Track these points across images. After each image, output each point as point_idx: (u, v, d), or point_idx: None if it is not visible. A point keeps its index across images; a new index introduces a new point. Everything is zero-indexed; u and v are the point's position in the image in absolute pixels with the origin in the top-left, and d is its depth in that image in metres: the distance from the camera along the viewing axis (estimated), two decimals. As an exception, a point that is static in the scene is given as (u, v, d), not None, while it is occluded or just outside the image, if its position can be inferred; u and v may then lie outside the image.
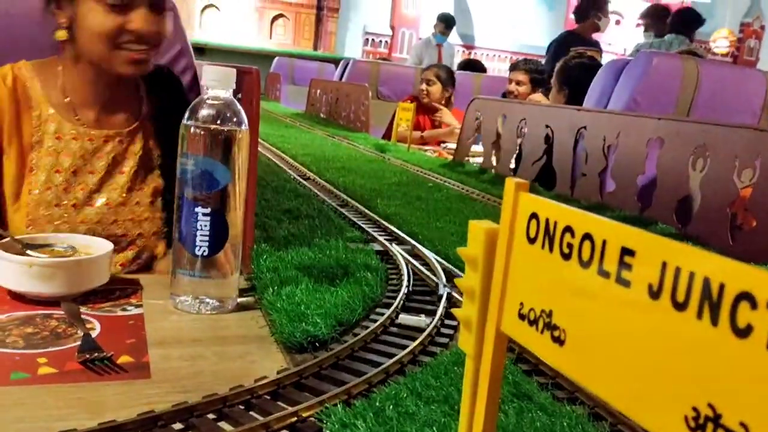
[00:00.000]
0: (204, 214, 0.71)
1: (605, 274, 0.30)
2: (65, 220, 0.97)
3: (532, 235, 0.35)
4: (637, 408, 0.29)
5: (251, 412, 0.51)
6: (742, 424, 0.24)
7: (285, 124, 3.41)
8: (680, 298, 0.26)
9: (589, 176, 1.65)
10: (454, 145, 2.57)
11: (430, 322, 0.70)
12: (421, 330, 0.69)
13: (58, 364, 0.57)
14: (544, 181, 1.84)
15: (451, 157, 2.41)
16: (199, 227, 0.71)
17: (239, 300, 0.76)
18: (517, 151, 2.02)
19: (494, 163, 2.10)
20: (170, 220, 1.00)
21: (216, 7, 7.10)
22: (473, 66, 4.75)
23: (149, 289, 0.77)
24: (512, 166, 2.02)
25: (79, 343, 0.60)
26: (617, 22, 7.71)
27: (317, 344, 0.64)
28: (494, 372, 0.39)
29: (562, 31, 7.55)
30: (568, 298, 0.33)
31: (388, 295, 0.80)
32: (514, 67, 3.56)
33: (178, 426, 0.48)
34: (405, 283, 0.84)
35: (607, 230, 0.31)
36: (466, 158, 2.31)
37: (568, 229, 0.33)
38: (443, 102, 3.56)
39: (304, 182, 1.56)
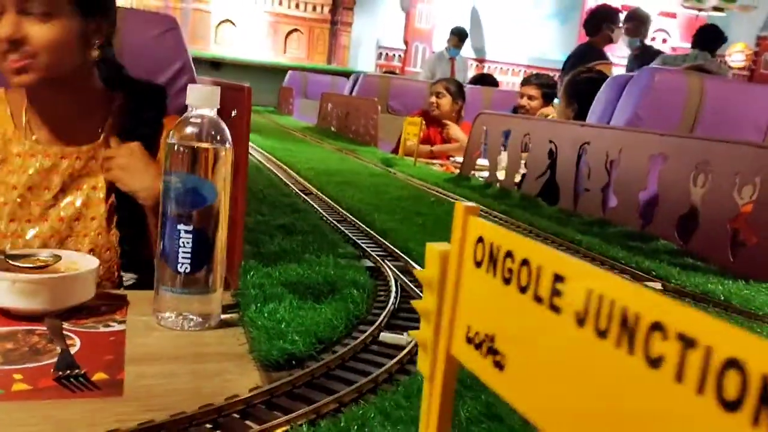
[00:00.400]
0: (186, 232, 0.72)
1: (539, 300, 0.30)
2: (19, 235, 0.99)
3: (479, 258, 0.35)
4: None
5: (218, 431, 0.51)
6: (655, 457, 0.24)
7: (295, 137, 3.43)
8: (602, 326, 0.26)
9: (592, 191, 1.65)
10: (462, 159, 2.57)
11: (411, 340, 0.70)
12: (401, 348, 0.69)
13: (33, 381, 0.57)
14: (548, 196, 1.83)
15: (458, 171, 2.41)
16: (181, 244, 0.72)
17: (223, 317, 0.76)
18: (522, 166, 2.01)
19: (500, 178, 2.10)
20: (126, 237, 0.99)
21: (232, 23, 7.18)
22: (485, 80, 4.75)
23: (135, 306, 0.78)
24: (517, 180, 2.02)
25: (56, 359, 0.61)
26: (632, 36, 7.68)
27: (294, 362, 0.64)
28: (445, 394, 0.39)
29: (575, 44, 7.56)
30: (508, 323, 0.33)
31: (373, 312, 0.80)
32: (525, 82, 3.56)
33: (142, 444, 0.48)
34: (392, 300, 0.84)
35: (541, 256, 0.31)
36: (472, 172, 2.31)
37: (509, 254, 0.33)
38: (453, 115, 3.56)
39: (305, 197, 1.57)
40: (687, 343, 0.22)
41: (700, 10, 7.38)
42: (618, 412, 0.25)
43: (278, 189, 1.63)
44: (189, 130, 0.73)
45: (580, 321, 0.27)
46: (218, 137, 0.74)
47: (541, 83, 3.45)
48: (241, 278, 0.84)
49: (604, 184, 1.61)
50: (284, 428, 0.51)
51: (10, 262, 0.74)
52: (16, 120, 1.02)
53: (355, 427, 0.50)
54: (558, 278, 0.29)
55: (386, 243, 1.13)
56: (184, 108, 1.39)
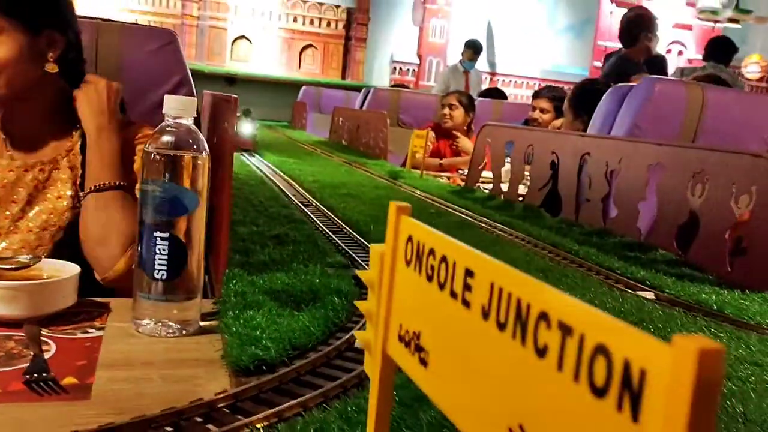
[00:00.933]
0: (162, 239, 0.73)
1: (455, 296, 0.30)
2: None
3: (408, 257, 0.36)
4: (471, 429, 0.29)
5: (178, 434, 0.52)
6: (541, 447, 0.24)
7: (305, 151, 3.45)
8: (502, 318, 0.26)
9: (593, 202, 1.64)
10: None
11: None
12: (376, 355, 0.69)
13: (3, 385, 0.58)
14: (550, 207, 1.82)
15: (463, 183, 2.41)
16: (157, 251, 0.73)
17: (202, 324, 0.77)
18: (526, 177, 2.01)
19: (504, 189, 2.10)
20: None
21: (247, 39, 7.27)
22: (493, 94, 4.75)
23: (116, 313, 0.79)
24: (522, 191, 2.02)
25: (25, 364, 0.61)
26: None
27: (265, 368, 0.65)
28: (382, 394, 0.39)
29: (590, 57, 7.56)
30: (431, 320, 0.33)
31: (353, 320, 0.80)
32: (537, 95, 3.55)
33: (99, 446, 0.49)
34: (374, 308, 0.84)
35: (455, 252, 0.31)
36: (477, 184, 2.31)
37: (431, 252, 0.33)
38: (464, 128, 3.57)
39: (304, 208, 1.58)
40: (565, 331, 0.23)
41: (715, 22, 7.35)
42: (517, 404, 0.25)
43: (278, 201, 1.64)
44: (167, 138, 0.74)
45: (485, 315, 0.28)
46: (195, 146, 0.75)
47: (553, 96, 3.44)
48: (224, 286, 0.84)
49: (605, 195, 1.60)
50: (245, 431, 0.51)
51: (-5, 266, 0.75)
52: None
53: (312, 430, 0.50)
54: (469, 273, 0.29)
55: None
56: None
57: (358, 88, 6.01)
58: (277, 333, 0.70)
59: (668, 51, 7.58)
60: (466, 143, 3.45)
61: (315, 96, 5.89)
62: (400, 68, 7.79)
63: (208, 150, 0.76)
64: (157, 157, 0.73)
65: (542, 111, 3.37)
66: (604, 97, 1.82)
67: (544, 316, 0.24)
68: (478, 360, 0.28)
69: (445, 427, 0.53)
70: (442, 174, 3.09)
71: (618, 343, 0.20)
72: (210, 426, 0.53)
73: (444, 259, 0.32)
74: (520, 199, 1.98)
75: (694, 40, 7.53)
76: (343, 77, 7.52)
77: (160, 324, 0.74)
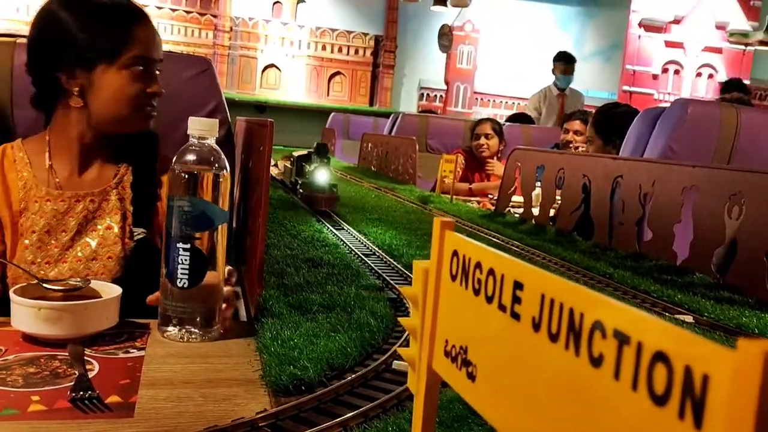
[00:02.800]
0: (185, 250, 0.77)
1: (503, 308, 0.31)
2: (42, 277, 1.02)
3: (454, 272, 0.36)
4: (523, 443, 0.29)
5: (220, 452, 0.52)
6: (598, 457, 0.24)
7: (335, 177, 3.47)
8: (554, 329, 0.27)
9: (627, 225, 1.62)
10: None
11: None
12: (413, 376, 0.69)
13: (49, 402, 0.59)
14: (583, 231, 1.81)
15: (493, 208, 2.41)
16: (180, 261, 0.77)
17: (240, 344, 0.78)
18: (557, 201, 2.00)
19: (534, 213, 2.09)
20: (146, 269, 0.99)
21: (277, 67, 7.38)
22: (521, 119, 4.75)
23: (156, 333, 0.80)
24: (552, 215, 2.00)
25: (71, 383, 0.63)
26: (676, 72, 7.61)
27: (303, 388, 0.65)
28: (427, 410, 0.39)
29: (619, 82, 7.53)
30: (478, 333, 0.33)
31: (389, 342, 0.80)
32: (569, 117, 3.53)
33: (144, 463, 0.49)
34: (409, 330, 0.84)
35: (503, 265, 0.31)
36: (508, 209, 2.30)
37: (478, 266, 0.33)
38: (498, 155, 3.56)
39: (337, 232, 1.59)
40: (622, 339, 0.23)
41: (746, 45, 7.27)
42: (572, 414, 0.25)
43: (311, 225, 1.66)
44: (191, 156, 0.78)
45: (536, 326, 0.28)
46: (217, 164, 0.79)
47: (586, 119, 3.41)
48: (261, 307, 0.85)
49: (639, 218, 1.58)
50: (285, 450, 0.51)
51: (44, 285, 0.77)
52: (35, 168, 1.08)
53: (354, 449, 0.50)
54: (518, 285, 0.30)
55: (411, 275, 1.13)
56: (220, 144, 1.45)
57: (386, 114, 6.05)
58: (315, 354, 0.70)
59: (698, 74, 7.52)
60: (500, 168, 3.44)
61: (343, 122, 5.94)
62: (428, 94, 7.83)
63: (228, 168, 0.80)
64: (182, 174, 0.76)
65: (576, 133, 3.35)
66: (635, 119, 1.81)
67: (598, 326, 0.24)
68: (529, 372, 0.28)
69: (486, 447, 0.53)
70: (472, 198, 3.08)
71: (678, 349, 0.20)
72: (252, 444, 0.53)
73: (491, 272, 0.32)
74: (551, 223, 1.97)
75: (725, 64, 7.46)
76: (371, 104, 7.58)
77: (183, 330, 0.77)
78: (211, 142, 0.81)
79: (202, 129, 0.80)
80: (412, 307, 0.42)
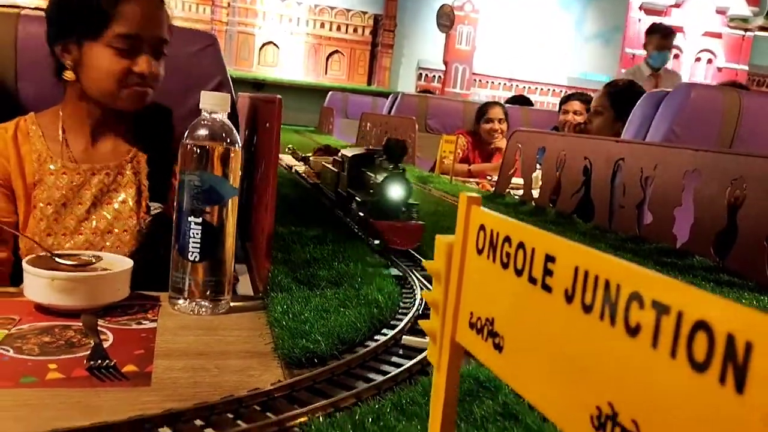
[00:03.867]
0: (196, 224, 0.78)
1: (534, 281, 0.31)
2: (56, 248, 1.03)
3: (480, 246, 0.37)
4: (554, 410, 0.29)
5: (238, 421, 0.53)
6: (633, 422, 0.25)
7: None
8: (588, 300, 0.27)
9: (627, 208, 1.63)
10: (498, 178, 2.56)
11: (433, 344, 0.71)
12: (422, 351, 0.70)
13: (66, 371, 0.60)
14: (583, 213, 1.82)
15: (493, 189, 2.41)
16: (191, 235, 0.77)
17: (250, 317, 0.79)
18: (557, 183, 2.00)
19: (535, 195, 2.09)
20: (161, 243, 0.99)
21: (275, 45, 7.33)
22: (520, 101, 4.74)
23: (167, 307, 0.81)
24: (553, 198, 2.01)
25: (89, 352, 0.63)
26: (676, 56, 7.59)
27: (316, 360, 0.66)
28: (450, 381, 0.40)
29: (619, 65, 7.51)
30: (506, 305, 0.34)
31: (397, 318, 0.81)
32: (567, 99, 3.52)
33: (165, 430, 0.50)
34: (416, 306, 0.85)
35: (534, 238, 0.32)
36: (507, 190, 2.31)
37: (507, 239, 0.34)
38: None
39: (338, 211, 1.59)
40: (661, 309, 0.23)
41: (746, 30, 7.26)
42: (605, 382, 0.26)
43: (313, 203, 1.66)
44: (202, 131, 0.78)
45: (569, 298, 0.28)
46: (229, 138, 0.79)
47: (586, 99, 3.40)
48: (270, 282, 0.86)
49: (639, 201, 1.59)
50: (302, 419, 0.52)
51: (57, 260, 0.78)
52: (49, 141, 1.08)
53: (370, 419, 0.51)
54: (549, 258, 0.30)
55: (414, 254, 1.14)
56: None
57: (384, 94, 6.03)
58: (326, 328, 0.71)
59: (697, 59, 7.51)
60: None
61: (342, 101, 5.92)
62: (426, 74, 7.80)
63: (240, 143, 0.80)
64: (193, 148, 0.77)
65: (575, 113, 3.34)
66: (639, 102, 1.82)
67: (636, 297, 0.25)
68: (560, 342, 0.29)
69: (498, 421, 0.54)
70: (471, 180, 3.09)
71: (720, 318, 0.21)
72: (269, 414, 0.54)
73: (521, 245, 0.33)
74: (551, 205, 1.98)
75: (724, 49, 7.45)
76: (369, 83, 7.55)
77: (194, 303, 0.78)
78: (223, 116, 0.81)
79: (213, 103, 0.81)
80: (435, 281, 0.43)
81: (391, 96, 4.57)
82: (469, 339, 0.37)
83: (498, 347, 0.34)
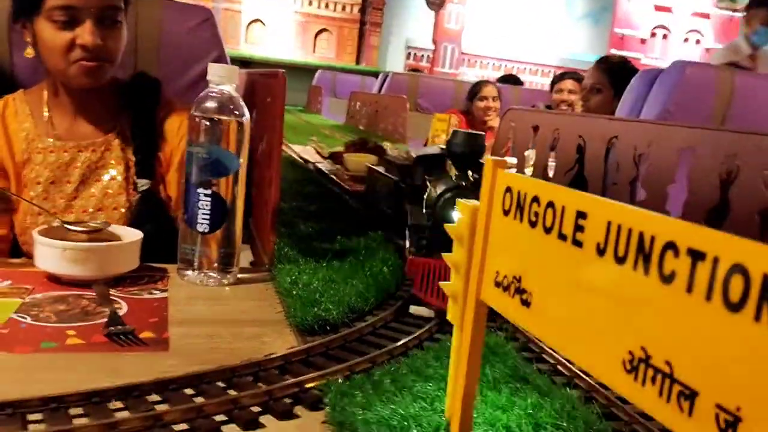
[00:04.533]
0: (205, 195, 0.79)
1: (563, 237, 0.33)
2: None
3: (507, 207, 0.38)
4: (586, 357, 0.31)
5: (258, 383, 0.54)
6: (667, 362, 0.26)
7: (323, 135, 3.46)
8: (621, 252, 0.29)
9: (620, 185, 1.65)
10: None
11: (440, 313, 0.72)
12: (430, 320, 0.71)
13: (85, 336, 0.61)
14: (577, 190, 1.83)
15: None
16: (200, 207, 0.79)
17: (259, 288, 0.80)
18: (552, 162, 2.02)
19: (527, 174, 2.11)
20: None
21: (262, 22, 7.26)
22: (510, 81, 4.74)
23: (175, 277, 0.82)
24: (550, 175, 2.03)
25: (106, 319, 0.64)
26: (664, 36, 7.62)
27: (328, 328, 0.67)
28: (475, 338, 0.41)
29: (608, 45, 7.52)
30: (534, 262, 0.35)
31: (403, 289, 0.83)
32: (560, 78, 3.50)
33: (189, 391, 0.52)
34: (421, 278, 0.86)
35: (564, 196, 0.33)
36: (500, 168, 2.32)
37: (535, 199, 0.35)
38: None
39: (335, 188, 1.60)
40: (696, 257, 0.25)
41: (734, 10, 7.28)
42: (638, 329, 0.28)
43: (310, 180, 1.67)
44: (210, 104, 0.78)
45: (601, 251, 0.30)
46: (237, 111, 0.80)
47: (578, 78, 3.39)
48: (276, 254, 0.87)
49: (633, 178, 1.61)
50: (320, 381, 0.54)
51: (68, 227, 0.78)
52: (36, 119, 1.07)
53: (388, 380, 0.53)
54: (580, 215, 0.32)
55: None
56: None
57: (372, 73, 6.01)
58: (336, 297, 0.73)
59: (686, 40, 7.54)
60: (497, 123, 3.41)
61: (330, 80, 5.89)
62: (415, 54, 7.77)
63: (248, 116, 0.80)
64: (201, 121, 0.78)
65: (570, 92, 3.33)
66: (633, 80, 1.83)
67: (670, 246, 0.26)
68: (591, 293, 0.31)
69: (510, 382, 0.56)
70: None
71: (755, 261, 0.22)
72: (287, 377, 0.56)
73: (550, 204, 0.34)
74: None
75: (713, 29, 7.48)
76: (358, 62, 7.51)
77: (202, 274, 0.79)
78: (231, 89, 0.81)
79: (221, 75, 0.81)
80: (456, 244, 0.44)
81: (381, 75, 4.56)
82: (495, 297, 0.39)
83: (525, 303, 0.36)
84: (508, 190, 0.38)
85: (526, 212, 0.36)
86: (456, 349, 0.44)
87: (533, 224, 0.35)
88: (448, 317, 0.45)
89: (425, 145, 3.36)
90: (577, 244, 0.32)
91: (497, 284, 0.39)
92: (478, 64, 7.84)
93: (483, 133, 0.89)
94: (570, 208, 0.32)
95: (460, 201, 0.43)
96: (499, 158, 0.40)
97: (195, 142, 0.80)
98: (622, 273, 0.28)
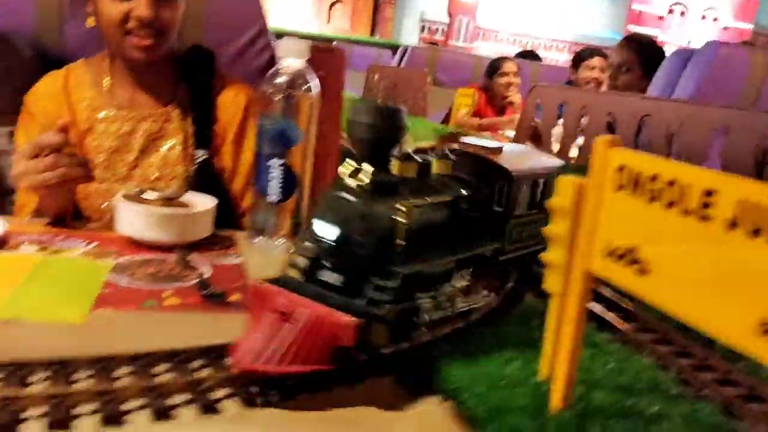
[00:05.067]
0: (275, 166, 0.83)
1: (687, 213, 0.36)
2: (109, 195, 1.05)
3: (621, 183, 0.41)
4: (714, 323, 0.34)
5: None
6: (803, 325, 0.29)
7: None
8: (751, 227, 0.32)
9: (650, 164, 1.68)
10: (512, 133, 2.59)
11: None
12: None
13: (182, 297, 0.65)
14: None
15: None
16: (272, 177, 0.82)
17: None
18: (579, 139, 2.04)
19: (554, 151, 2.13)
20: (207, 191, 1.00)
21: (276, -8, 7.22)
22: (528, 57, 4.72)
23: (241, 245, 0.85)
24: (573, 154, 2.05)
25: (194, 282, 0.68)
26: (681, 14, 7.55)
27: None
28: (581, 307, 0.45)
29: (625, 21, 7.46)
30: (653, 235, 0.39)
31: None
32: (588, 55, 3.45)
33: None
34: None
35: (690, 175, 0.36)
36: (526, 143, 2.34)
37: (654, 177, 0.38)
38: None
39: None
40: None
41: (753, -11, 7.20)
42: (762, 297, 0.31)
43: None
44: (281, 79, 0.81)
45: (732, 225, 0.33)
46: (305, 86, 0.83)
47: (604, 55, 3.36)
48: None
49: (664, 156, 1.64)
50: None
51: (143, 197, 0.82)
52: (98, 88, 1.10)
53: (472, 348, 0.57)
54: (708, 193, 0.35)
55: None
56: (263, 69, 1.45)
57: (388, 46, 5.98)
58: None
59: (703, 17, 7.47)
60: (518, 98, 3.40)
61: (346, 53, 5.86)
62: (429, 27, 7.72)
63: (317, 90, 0.83)
64: (271, 94, 0.81)
65: (601, 70, 3.29)
66: (665, 60, 1.85)
67: (810, 222, 0.29)
68: (720, 264, 0.34)
69: (585, 349, 0.59)
70: (483, 134, 3.11)
71: None
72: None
73: (672, 182, 0.37)
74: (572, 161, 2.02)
75: (731, 6, 7.41)
76: (372, 34, 7.47)
77: (273, 241, 0.84)
78: (301, 63, 0.84)
79: (292, 50, 0.83)
80: (557, 217, 0.47)
81: (400, 49, 4.55)
82: (607, 267, 0.42)
83: (642, 272, 0.39)
84: (622, 168, 0.41)
85: (643, 189, 0.39)
86: (553, 316, 0.48)
87: (652, 200, 0.38)
88: (545, 286, 0.49)
89: (445, 118, 3.38)
90: (705, 218, 0.35)
91: (609, 254, 0.42)
92: (492, 38, 7.79)
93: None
94: (697, 186, 0.35)
95: (561, 177, 0.46)
96: (612, 137, 0.43)
97: (266, 115, 0.83)
98: (756, 246, 0.32)
